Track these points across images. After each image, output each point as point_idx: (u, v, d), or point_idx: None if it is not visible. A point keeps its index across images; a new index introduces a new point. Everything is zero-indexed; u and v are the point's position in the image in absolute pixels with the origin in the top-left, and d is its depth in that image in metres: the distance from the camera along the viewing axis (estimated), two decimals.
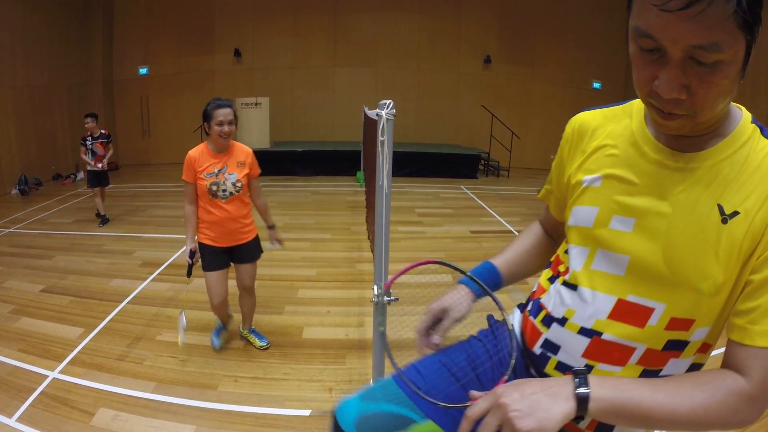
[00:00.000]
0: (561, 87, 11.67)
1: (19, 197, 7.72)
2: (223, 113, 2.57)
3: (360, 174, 9.31)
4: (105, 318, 3.58)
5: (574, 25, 11.32)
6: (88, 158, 5.94)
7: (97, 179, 6.02)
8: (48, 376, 2.81)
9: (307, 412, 2.59)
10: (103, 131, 6.04)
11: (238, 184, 2.70)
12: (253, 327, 3.23)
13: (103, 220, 6.14)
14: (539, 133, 11.68)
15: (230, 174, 2.67)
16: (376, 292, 1.96)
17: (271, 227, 3.03)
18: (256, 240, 2.90)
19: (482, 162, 10.67)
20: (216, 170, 2.63)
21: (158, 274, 4.48)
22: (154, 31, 10.66)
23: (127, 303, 3.85)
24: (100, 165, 5.97)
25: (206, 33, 10.83)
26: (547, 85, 11.65)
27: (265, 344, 3.16)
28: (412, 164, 9.85)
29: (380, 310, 2.02)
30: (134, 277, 4.39)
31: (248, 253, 2.87)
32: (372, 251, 2.68)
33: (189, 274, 2.74)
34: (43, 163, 8.91)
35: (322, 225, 6.22)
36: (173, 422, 2.46)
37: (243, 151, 2.78)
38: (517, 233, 6.15)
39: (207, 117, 2.60)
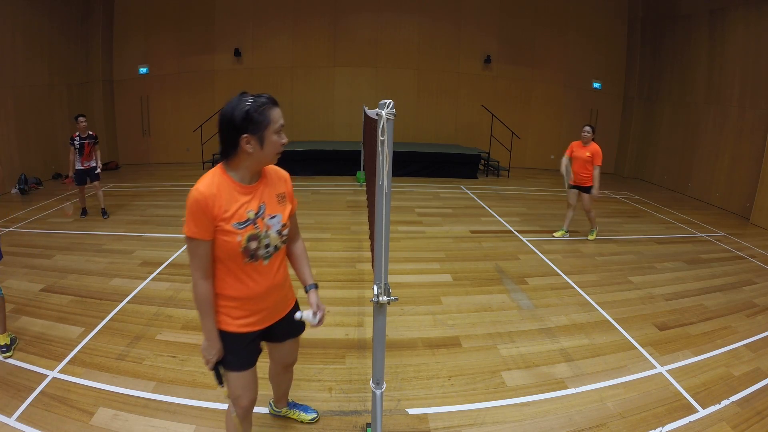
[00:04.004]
0: (561, 87, 11.66)
1: (19, 196, 7.72)
2: (280, 115, 1.64)
3: (360, 174, 9.32)
4: (105, 317, 3.58)
5: (574, 25, 11.32)
6: (75, 158, 6.15)
7: (83, 177, 6.28)
8: (48, 376, 2.81)
9: None
10: (90, 132, 6.25)
11: (285, 232, 1.76)
12: (291, 400, 2.54)
13: (83, 213, 6.49)
14: (539, 133, 11.68)
15: (272, 217, 1.71)
16: (375, 292, 1.93)
17: (312, 287, 1.91)
18: (296, 302, 2.01)
19: (482, 162, 10.67)
20: (252, 214, 1.65)
21: (158, 273, 4.48)
22: (154, 30, 10.64)
23: (127, 302, 3.85)
24: (87, 164, 6.23)
25: (206, 33, 10.82)
26: (547, 85, 11.64)
27: (315, 416, 2.49)
28: (412, 164, 9.85)
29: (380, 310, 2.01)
30: (134, 276, 4.39)
31: (294, 325, 1.94)
32: (372, 251, 2.65)
33: (221, 380, 1.83)
34: (43, 163, 8.91)
35: (322, 225, 6.22)
36: (173, 422, 2.47)
37: (279, 175, 1.82)
38: (516, 233, 6.16)
39: (252, 123, 1.55)
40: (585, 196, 5.72)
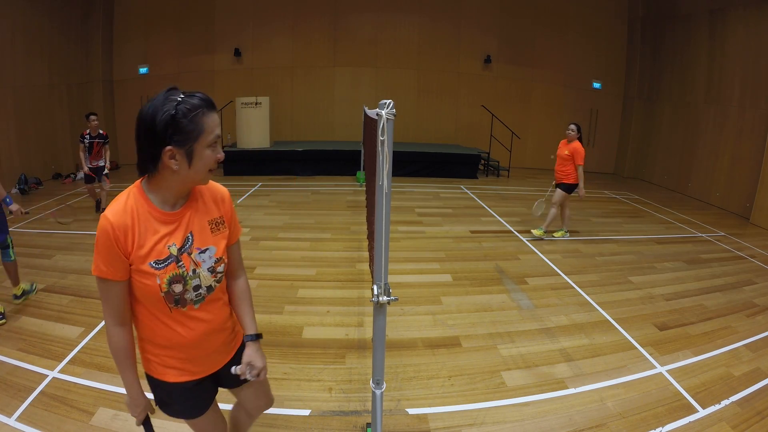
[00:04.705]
0: (561, 87, 11.67)
1: (19, 196, 7.71)
2: (216, 123, 1.29)
3: (360, 174, 9.32)
4: None
5: (574, 25, 11.32)
6: (84, 157, 6.19)
7: (91, 176, 6.37)
8: (48, 376, 2.81)
9: (306, 412, 2.59)
10: (101, 131, 6.28)
11: (220, 269, 1.41)
12: None
13: (98, 208, 6.64)
14: (539, 133, 11.68)
15: (202, 251, 1.36)
16: (375, 292, 1.93)
17: (250, 339, 1.55)
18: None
19: (482, 162, 10.67)
20: (174, 249, 1.31)
21: None
22: (154, 30, 10.65)
23: None
24: (95, 163, 6.27)
25: (206, 33, 10.83)
26: (547, 85, 11.65)
27: None
28: (412, 164, 9.86)
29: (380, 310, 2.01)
30: None
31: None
32: (370, 251, 2.65)
33: None
34: (43, 163, 8.92)
35: (322, 225, 6.22)
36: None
37: (215, 195, 1.45)
38: (516, 233, 6.15)
39: (179, 132, 1.21)
40: (558, 191, 5.83)
